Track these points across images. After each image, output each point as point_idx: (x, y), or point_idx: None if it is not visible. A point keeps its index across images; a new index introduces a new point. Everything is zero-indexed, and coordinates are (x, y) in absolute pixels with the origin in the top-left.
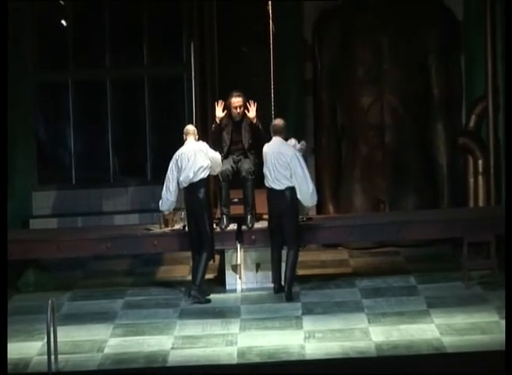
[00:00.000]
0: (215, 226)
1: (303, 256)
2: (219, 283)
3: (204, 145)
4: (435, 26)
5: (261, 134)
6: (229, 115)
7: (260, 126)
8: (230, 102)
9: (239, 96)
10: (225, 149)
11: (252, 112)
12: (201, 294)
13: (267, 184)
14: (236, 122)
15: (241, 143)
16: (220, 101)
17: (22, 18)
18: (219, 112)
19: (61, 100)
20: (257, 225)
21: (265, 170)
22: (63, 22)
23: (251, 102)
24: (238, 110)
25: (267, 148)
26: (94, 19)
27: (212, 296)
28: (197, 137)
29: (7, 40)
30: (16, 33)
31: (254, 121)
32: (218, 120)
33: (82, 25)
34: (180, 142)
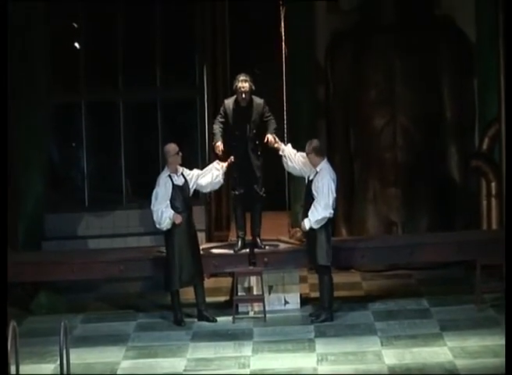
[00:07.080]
0: (228, 250)
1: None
2: (231, 305)
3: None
4: (448, 49)
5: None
6: (235, 100)
7: (272, 119)
8: (236, 87)
9: (245, 81)
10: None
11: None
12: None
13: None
14: (242, 107)
15: (246, 131)
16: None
17: (35, 41)
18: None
19: (74, 122)
20: (270, 247)
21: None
22: (76, 44)
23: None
24: (244, 95)
25: (331, 173)
26: (107, 42)
27: (224, 318)
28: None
29: (7, 41)
30: (29, 55)
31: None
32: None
33: (95, 47)
34: (191, 164)
